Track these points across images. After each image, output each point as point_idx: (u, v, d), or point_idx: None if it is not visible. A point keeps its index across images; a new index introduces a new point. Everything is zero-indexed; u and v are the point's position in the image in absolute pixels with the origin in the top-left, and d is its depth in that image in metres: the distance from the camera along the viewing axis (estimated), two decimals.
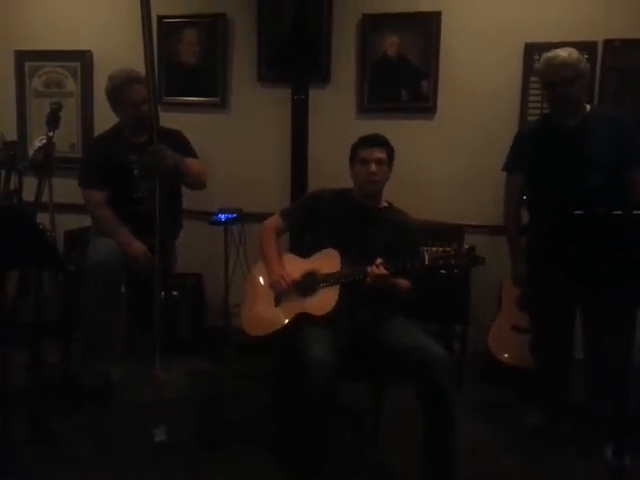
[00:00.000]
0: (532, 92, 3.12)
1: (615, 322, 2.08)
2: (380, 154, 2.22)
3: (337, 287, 2.11)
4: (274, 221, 2.40)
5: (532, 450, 2.31)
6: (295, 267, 2.28)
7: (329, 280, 2.15)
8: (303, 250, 2.38)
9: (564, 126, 2.22)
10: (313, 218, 2.32)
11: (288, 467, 2.13)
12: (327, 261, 2.19)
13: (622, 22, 2.91)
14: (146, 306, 2.45)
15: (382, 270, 2.02)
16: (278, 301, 2.26)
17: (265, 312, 2.26)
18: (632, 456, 1.86)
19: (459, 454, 2.04)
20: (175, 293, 2.85)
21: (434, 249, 2.81)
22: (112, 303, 2.50)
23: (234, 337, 3.18)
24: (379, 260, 2.04)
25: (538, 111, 3.12)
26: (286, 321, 2.18)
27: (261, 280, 2.36)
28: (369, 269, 2.04)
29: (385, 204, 2.34)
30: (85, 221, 2.78)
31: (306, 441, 2.00)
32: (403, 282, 2.17)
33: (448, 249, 1.97)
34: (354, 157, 2.29)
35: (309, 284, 2.20)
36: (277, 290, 2.25)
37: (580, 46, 2.97)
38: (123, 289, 2.65)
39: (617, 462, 1.58)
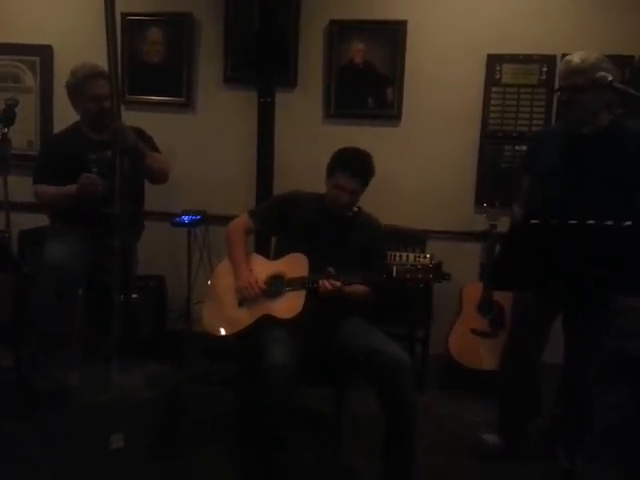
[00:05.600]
0: (493, 102, 3.21)
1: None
2: (357, 186, 2.15)
3: (304, 292, 2.10)
4: (243, 221, 2.34)
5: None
6: (262, 269, 2.26)
7: (295, 284, 2.14)
8: (270, 252, 2.36)
9: (575, 134, 2.11)
10: (282, 221, 2.28)
11: (247, 473, 2.11)
12: (295, 265, 2.17)
13: (579, 37, 3.02)
14: (105, 309, 2.39)
15: (334, 284, 2.02)
16: (242, 301, 2.23)
17: (228, 312, 2.23)
18: (584, 459, 1.91)
19: (418, 456, 2.07)
20: (135, 296, 2.78)
21: (398, 255, 2.84)
22: (68, 306, 2.43)
23: (196, 340, 3.15)
24: (331, 270, 2.04)
25: (499, 121, 3.21)
26: (249, 322, 2.16)
27: (226, 279, 2.31)
28: (320, 282, 2.04)
29: (355, 209, 2.29)
30: (42, 221, 2.69)
31: (263, 444, 1.99)
32: (359, 288, 2.15)
33: (417, 262, 1.97)
34: (332, 172, 2.19)
35: (275, 287, 2.19)
36: (243, 296, 2.21)
37: (539, 59, 3.13)
38: (80, 291, 2.58)
39: (569, 464, 1.62)
